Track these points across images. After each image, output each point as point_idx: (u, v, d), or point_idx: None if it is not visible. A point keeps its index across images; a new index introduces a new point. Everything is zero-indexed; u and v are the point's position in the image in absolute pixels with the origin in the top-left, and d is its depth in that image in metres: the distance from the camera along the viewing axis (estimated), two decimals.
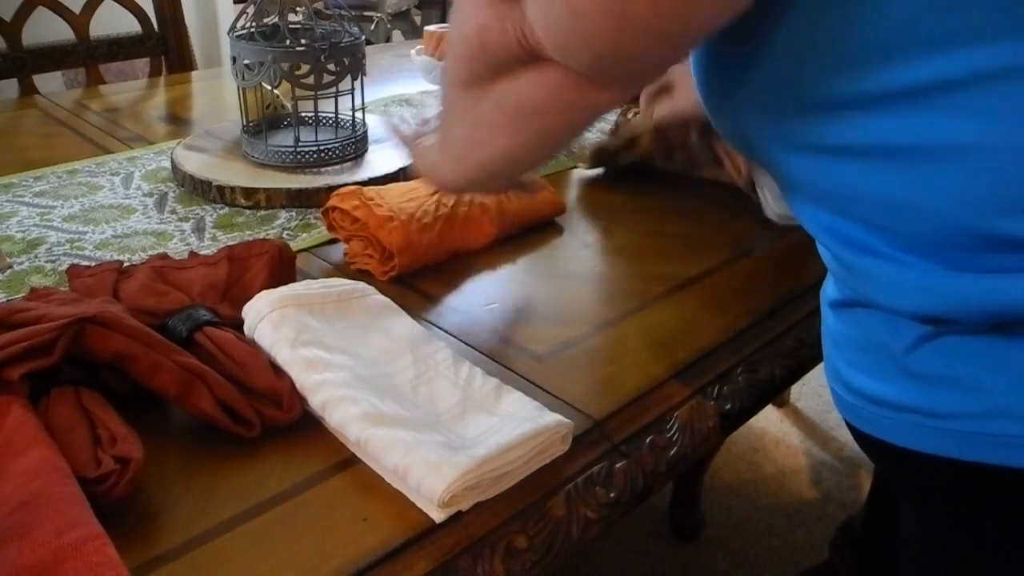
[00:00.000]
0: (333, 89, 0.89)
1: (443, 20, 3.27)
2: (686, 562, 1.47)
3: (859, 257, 0.47)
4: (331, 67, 0.87)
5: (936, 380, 0.46)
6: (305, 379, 0.53)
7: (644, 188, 0.98)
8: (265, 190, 0.86)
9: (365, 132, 0.97)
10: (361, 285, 0.64)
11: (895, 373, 0.48)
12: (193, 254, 0.69)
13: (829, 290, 0.55)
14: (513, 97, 0.49)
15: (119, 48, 1.46)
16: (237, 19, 0.89)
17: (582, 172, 1.03)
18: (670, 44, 0.43)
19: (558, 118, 0.50)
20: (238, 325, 0.59)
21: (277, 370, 0.54)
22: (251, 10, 0.89)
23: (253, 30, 0.88)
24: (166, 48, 1.49)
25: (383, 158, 0.95)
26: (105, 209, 0.85)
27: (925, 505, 0.54)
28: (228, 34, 0.89)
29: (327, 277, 0.66)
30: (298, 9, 0.93)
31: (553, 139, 0.52)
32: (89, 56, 1.42)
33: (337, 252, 0.78)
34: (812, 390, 1.92)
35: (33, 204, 0.86)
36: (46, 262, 0.74)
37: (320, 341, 0.56)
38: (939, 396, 0.46)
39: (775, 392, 0.66)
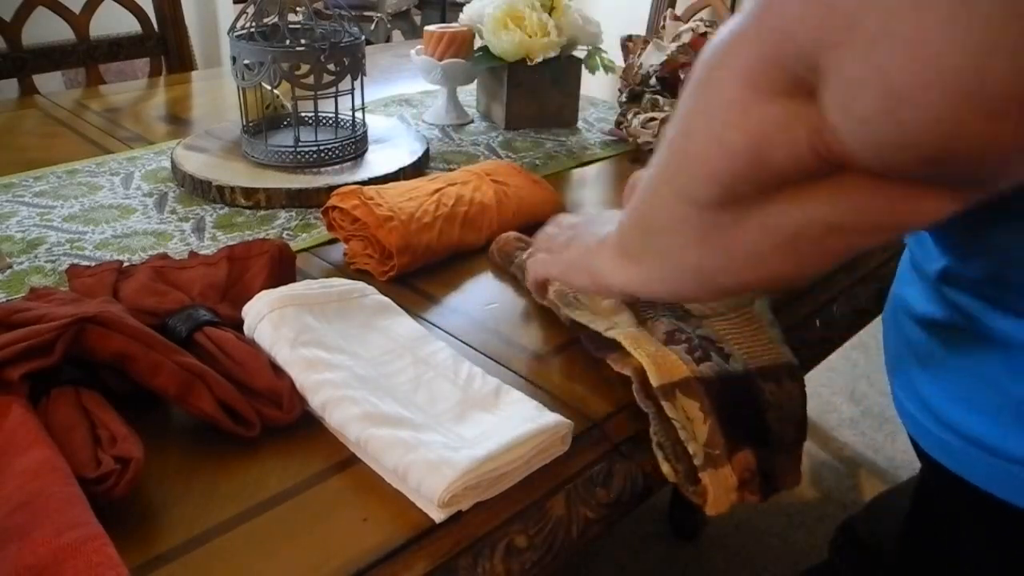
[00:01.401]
0: (333, 89, 0.89)
1: (443, 20, 3.27)
2: (686, 562, 1.47)
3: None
4: (331, 67, 0.87)
5: None
6: (305, 379, 0.53)
7: None
8: (265, 190, 0.86)
9: (365, 132, 0.97)
10: (361, 285, 0.64)
11: (1009, 417, 0.44)
12: (193, 254, 0.69)
13: (920, 304, 0.50)
14: (796, 220, 0.38)
15: (119, 48, 1.46)
16: (237, 19, 0.89)
17: (581, 172, 1.03)
18: None
19: (860, 239, 0.39)
20: (238, 325, 0.59)
21: (277, 370, 0.54)
22: (251, 10, 0.89)
23: (253, 30, 0.88)
24: (166, 48, 1.49)
25: (383, 158, 0.95)
26: (105, 209, 0.85)
27: (1006, 551, 0.51)
28: (228, 34, 0.89)
29: (327, 277, 0.66)
30: (298, 9, 0.93)
31: (843, 258, 0.40)
32: (89, 56, 1.42)
33: (337, 252, 0.78)
34: (812, 390, 1.91)
35: (33, 204, 0.86)
36: (46, 262, 0.74)
37: (320, 341, 0.56)
38: None
39: None
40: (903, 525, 0.67)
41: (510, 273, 0.72)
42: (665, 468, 0.54)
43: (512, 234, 0.76)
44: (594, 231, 0.56)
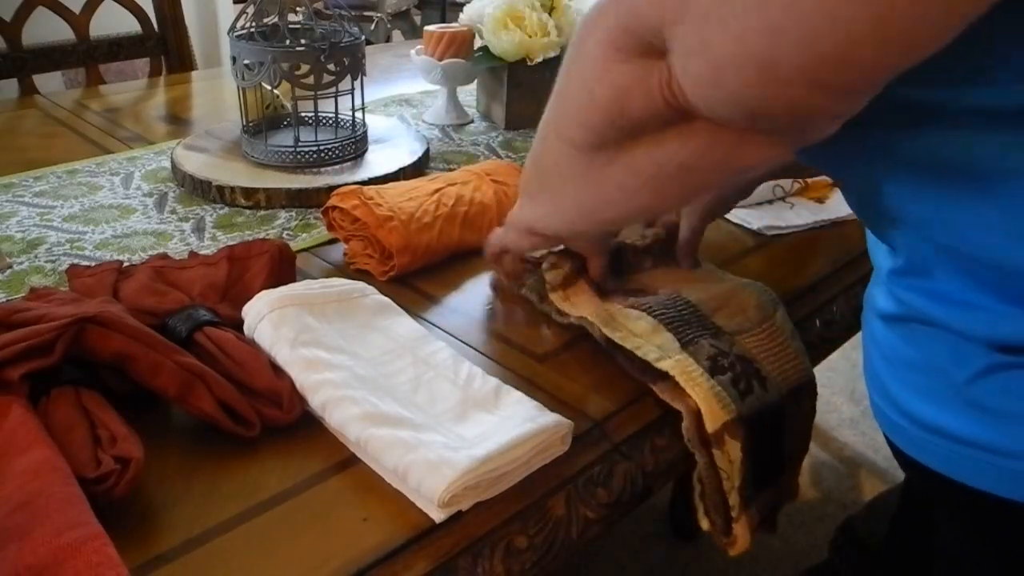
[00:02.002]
0: (333, 89, 0.89)
1: (443, 20, 3.27)
2: (686, 562, 1.47)
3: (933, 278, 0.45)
4: (331, 67, 0.87)
5: (1007, 415, 0.44)
6: (305, 379, 0.53)
7: None
8: (265, 190, 0.86)
9: (365, 132, 0.97)
10: (361, 285, 0.64)
11: (956, 402, 0.46)
12: (193, 254, 0.69)
13: (880, 301, 0.53)
14: (655, 160, 0.45)
15: (119, 48, 1.46)
16: (237, 19, 0.89)
17: None
18: (834, 93, 0.36)
19: (708, 176, 0.46)
20: (238, 325, 0.59)
21: (277, 370, 0.54)
22: (251, 10, 0.89)
23: (253, 30, 0.88)
24: (166, 48, 1.49)
25: (383, 158, 0.95)
26: (105, 209, 0.85)
27: (972, 536, 0.52)
28: (228, 34, 0.89)
29: (327, 277, 0.66)
30: (298, 9, 0.93)
31: (698, 192, 0.49)
32: (89, 56, 1.42)
33: (337, 252, 0.78)
34: None
35: (33, 204, 0.86)
36: (46, 262, 0.74)
37: (320, 341, 0.56)
38: (1011, 432, 0.44)
39: None
40: (890, 523, 0.68)
41: (521, 296, 0.70)
42: (704, 523, 0.55)
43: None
44: None
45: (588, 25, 0.44)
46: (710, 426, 0.54)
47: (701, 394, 0.55)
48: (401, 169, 0.92)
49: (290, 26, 0.90)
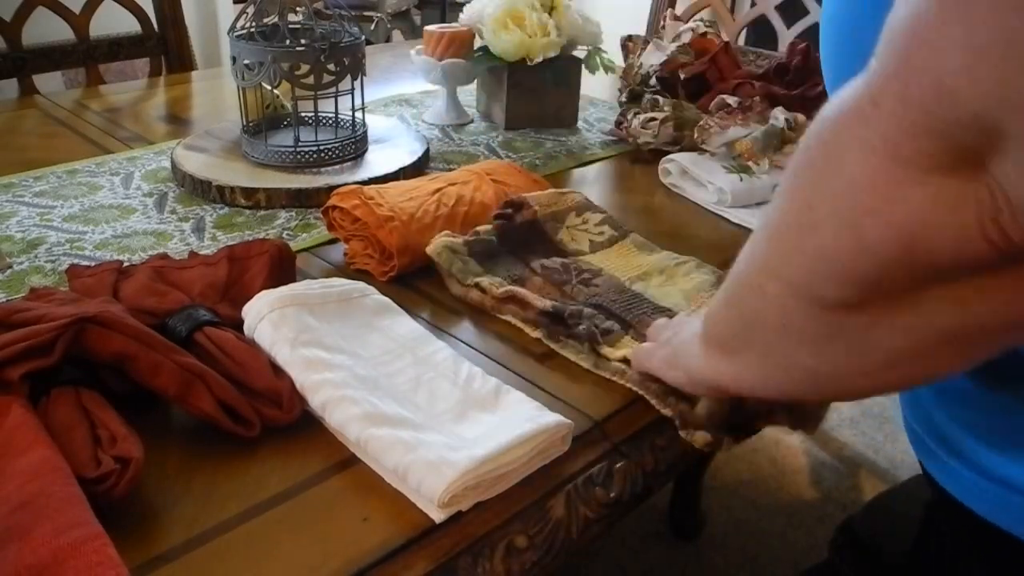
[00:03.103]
0: (333, 89, 0.89)
1: (443, 20, 3.27)
2: (686, 562, 1.47)
3: None
4: (331, 67, 0.87)
5: None
6: (305, 379, 0.53)
7: (643, 189, 0.98)
8: (265, 190, 0.86)
9: (365, 132, 0.97)
10: (361, 285, 0.64)
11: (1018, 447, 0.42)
12: (193, 254, 0.69)
13: None
14: (958, 320, 0.31)
15: (119, 48, 1.45)
16: (237, 19, 0.89)
17: (581, 172, 1.03)
18: None
19: None
20: (238, 325, 0.59)
21: (277, 370, 0.54)
22: (251, 10, 0.89)
23: (253, 30, 0.88)
24: (166, 48, 1.49)
25: (383, 158, 0.95)
26: (105, 209, 0.85)
27: None
28: (228, 34, 0.89)
29: (327, 277, 0.66)
30: (298, 9, 0.93)
31: (992, 355, 0.34)
32: (89, 56, 1.42)
33: (337, 252, 0.78)
34: None
35: (33, 204, 0.86)
36: (46, 262, 0.74)
37: (320, 341, 0.56)
38: None
39: None
40: (914, 543, 0.66)
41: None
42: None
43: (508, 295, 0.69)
44: (694, 326, 0.51)
45: (842, 125, 0.30)
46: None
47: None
48: (401, 169, 0.93)
49: (290, 26, 0.89)
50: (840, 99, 0.30)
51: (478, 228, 0.74)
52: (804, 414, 0.59)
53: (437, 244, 0.71)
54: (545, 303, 0.64)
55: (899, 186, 0.28)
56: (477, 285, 0.68)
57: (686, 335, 0.50)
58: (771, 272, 0.36)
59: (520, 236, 0.74)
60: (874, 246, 0.30)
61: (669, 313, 0.64)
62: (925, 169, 0.28)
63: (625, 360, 0.59)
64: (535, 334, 0.65)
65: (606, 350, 0.60)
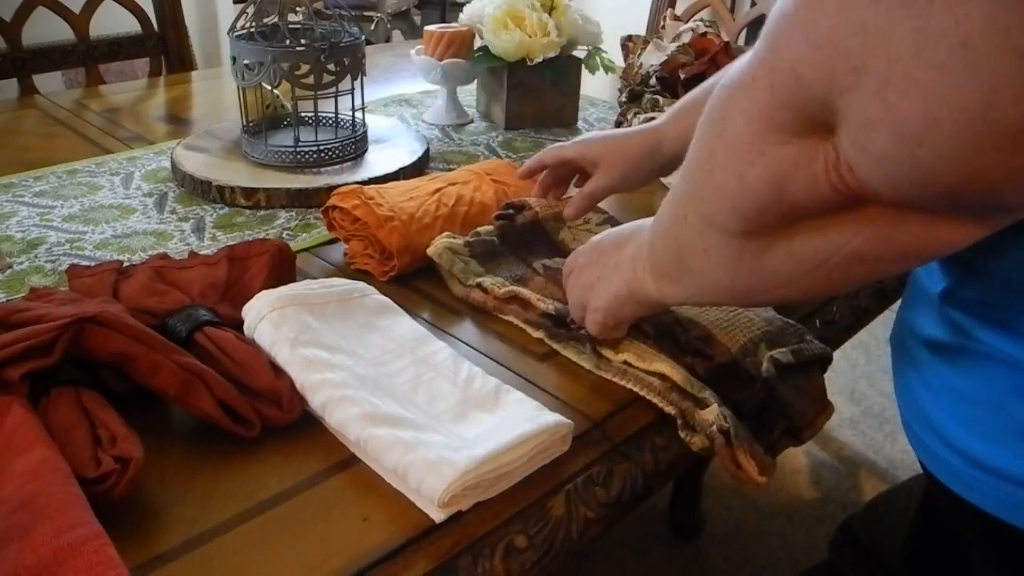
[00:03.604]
0: (333, 89, 0.89)
1: (443, 20, 3.27)
2: (686, 562, 1.47)
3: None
4: (331, 67, 0.87)
5: None
6: (305, 379, 0.53)
7: (643, 189, 0.98)
8: (265, 190, 0.86)
9: (365, 132, 0.97)
10: (361, 285, 0.64)
11: (1016, 439, 0.44)
12: (193, 254, 0.69)
13: (926, 326, 0.50)
14: (819, 249, 0.40)
15: (119, 48, 1.46)
16: (237, 19, 0.89)
17: None
18: None
19: (885, 266, 0.40)
20: (238, 325, 0.59)
21: (277, 370, 0.54)
22: (251, 10, 0.89)
23: (253, 30, 0.88)
24: (166, 48, 1.49)
25: (383, 158, 0.95)
26: (105, 209, 0.85)
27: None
28: (228, 34, 0.89)
29: (327, 277, 0.66)
30: (298, 9, 0.93)
31: (868, 280, 0.42)
32: (89, 56, 1.42)
33: (337, 252, 0.78)
34: None
35: (33, 204, 0.86)
36: (46, 262, 0.74)
37: (320, 341, 0.56)
38: None
39: None
40: (908, 541, 0.66)
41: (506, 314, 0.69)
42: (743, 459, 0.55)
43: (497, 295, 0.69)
44: (616, 257, 0.57)
45: (733, 94, 0.38)
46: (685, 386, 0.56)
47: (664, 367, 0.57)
48: (401, 169, 0.93)
49: (290, 26, 0.89)
50: (733, 71, 0.38)
51: (479, 229, 0.74)
52: (800, 428, 0.60)
53: (438, 245, 0.71)
54: (547, 305, 0.64)
55: (769, 144, 0.37)
56: (479, 285, 0.68)
57: (619, 275, 0.56)
58: (689, 203, 0.45)
59: (521, 237, 0.74)
60: (753, 187, 0.38)
61: (672, 315, 0.64)
62: (788, 132, 0.36)
63: (627, 362, 0.59)
64: (537, 335, 0.65)
65: (608, 351, 0.60)
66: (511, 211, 0.74)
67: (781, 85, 0.35)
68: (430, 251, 0.71)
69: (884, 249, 0.38)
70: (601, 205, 0.81)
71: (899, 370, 0.54)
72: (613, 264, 0.56)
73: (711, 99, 0.40)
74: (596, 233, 0.75)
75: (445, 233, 0.72)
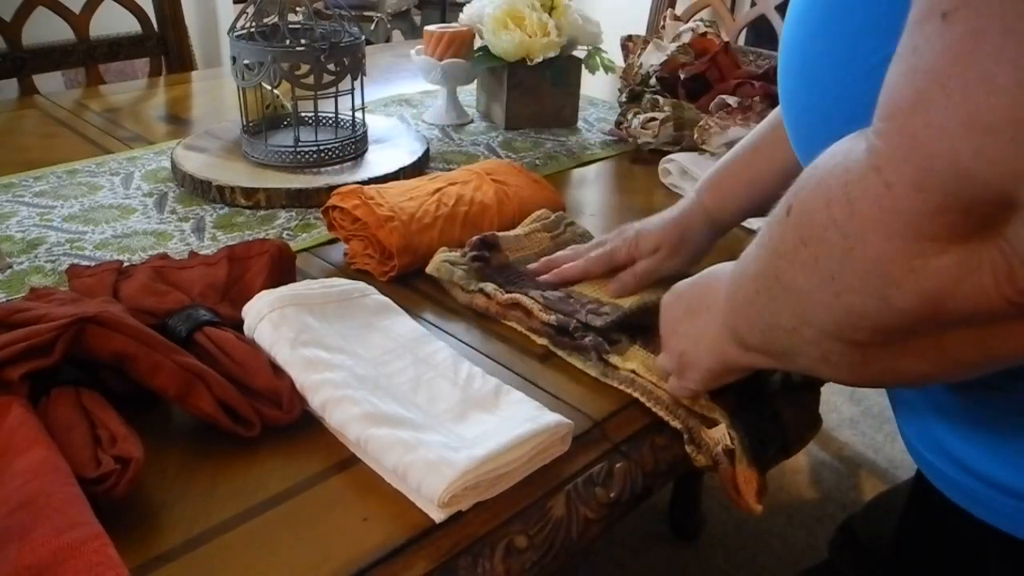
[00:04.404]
0: (333, 89, 0.89)
1: (443, 20, 3.27)
2: (686, 562, 1.47)
3: None
4: (331, 67, 0.87)
5: None
6: (305, 379, 0.53)
7: (643, 189, 0.98)
8: (265, 190, 0.86)
9: (365, 132, 0.97)
10: (361, 285, 0.64)
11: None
12: (193, 254, 0.69)
13: None
14: (973, 352, 0.35)
15: (119, 48, 1.46)
16: (237, 19, 0.89)
17: (581, 172, 1.03)
18: None
19: None
20: (238, 325, 0.59)
21: (277, 370, 0.54)
22: (251, 10, 0.89)
23: (253, 30, 0.88)
24: (166, 48, 1.49)
25: (383, 158, 0.95)
26: (105, 209, 0.85)
27: None
28: (228, 34, 0.89)
29: (327, 277, 0.66)
30: (298, 9, 0.93)
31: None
32: (89, 56, 1.42)
33: (337, 252, 0.78)
34: None
35: (33, 204, 0.86)
36: (46, 262, 0.74)
37: (320, 341, 0.56)
38: None
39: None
40: (912, 543, 0.65)
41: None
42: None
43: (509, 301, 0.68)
44: (695, 328, 0.54)
45: (856, 207, 0.32)
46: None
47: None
48: (401, 169, 0.93)
49: (290, 26, 0.89)
50: (842, 174, 0.32)
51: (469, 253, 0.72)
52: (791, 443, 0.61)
53: (434, 261, 0.71)
54: (550, 316, 0.63)
55: (921, 259, 0.31)
56: (481, 291, 0.67)
57: (700, 330, 0.53)
58: (802, 320, 0.39)
59: (500, 273, 0.71)
60: (901, 308, 0.33)
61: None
62: (944, 240, 0.30)
63: (635, 372, 0.59)
64: (541, 341, 0.64)
65: (615, 359, 0.60)
66: (485, 252, 0.72)
67: (937, 187, 0.29)
68: (428, 269, 0.71)
69: None
70: (599, 205, 0.81)
71: (900, 389, 0.53)
72: (693, 336, 0.53)
73: (803, 209, 0.35)
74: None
75: (441, 249, 0.72)
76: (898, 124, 0.30)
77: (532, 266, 0.72)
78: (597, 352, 0.60)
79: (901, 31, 0.31)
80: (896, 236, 0.31)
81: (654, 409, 0.57)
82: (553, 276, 0.70)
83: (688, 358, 0.54)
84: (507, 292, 0.67)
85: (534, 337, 0.65)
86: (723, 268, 0.52)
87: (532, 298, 0.65)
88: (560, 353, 0.63)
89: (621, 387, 0.59)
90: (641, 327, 0.63)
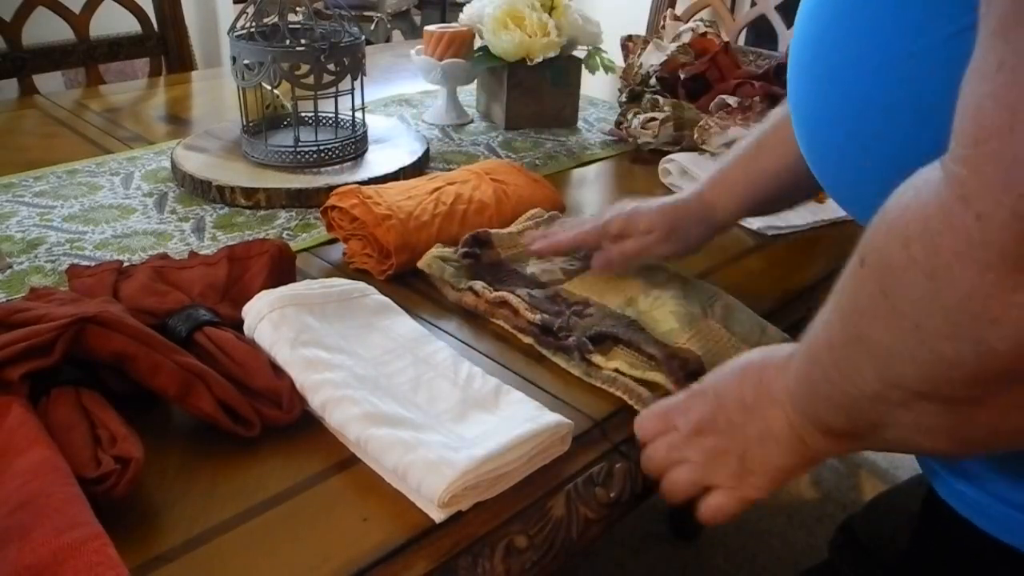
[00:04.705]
0: (333, 89, 0.89)
1: (443, 20, 3.27)
2: (686, 562, 1.47)
3: None
4: (331, 67, 0.87)
5: None
6: (305, 379, 0.53)
7: (643, 189, 0.98)
8: (265, 190, 0.86)
9: (365, 132, 0.97)
10: (361, 285, 0.64)
11: None
12: (193, 254, 0.69)
13: None
14: None
15: (119, 48, 1.46)
16: (237, 19, 0.89)
17: (581, 172, 1.03)
18: None
19: None
20: (238, 325, 0.59)
21: (277, 370, 0.54)
22: (251, 10, 0.89)
23: (253, 30, 0.88)
24: (166, 48, 1.49)
25: (383, 158, 0.95)
26: (105, 209, 0.85)
27: None
28: (228, 34, 0.89)
29: (327, 277, 0.66)
30: (298, 9, 0.93)
31: None
32: (89, 56, 1.42)
33: (337, 252, 0.78)
34: None
35: (33, 204, 0.86)
36: (46, 262, 0.74)
37: (320, 341, 0.56)
38: None
39: None
40: (912, 544, 0.64)
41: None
42: None
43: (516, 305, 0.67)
44: (752, 424, 0.48)
45: (940, 242, 0.30)
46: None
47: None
48: (401, 169, 0.92)
49: (290, 26, 0.89)
50: (919, 208, 0.30)
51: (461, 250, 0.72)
52: None
53: (426, 257, 0.71)
54: (535, 315, 0.63)
55: (1017, 292, 0.28)
56: (471, 288, 0.68)
57: (763, 427, 0.47)
58: (888, 381, 0.36)
59: (490, 271, 0.71)
60: (1001, 352, 0.30)
61: (662, 349, 0.60)
62: None
63: (618, 370, 0.59)
64: (526, 340, 0.65)
65: (597, 358, 0.60)
66: (476, 249, 0.72)
67: None
68: (420, 264, 0.71)
69: None
70: (599, 205, 0.81)
71: None
72: (756, 435, 0.47)
73: (876, 262, 0.33)
74: (562, 264, 0.72)
75: (436, 245, 0.72)
76: (991, 148, 0.28)
77: (530, 238, 0.72)
78: (580, 352, 0.60)
79: (940, 18, 0.29)
80: (990, 269, 0.29)
81: (636, 406, 0.57)
82: (545, 243, 0.70)
83: (751, 463, 0.48)
84: (495, 290, 0.67)
85: (520, 336, 0.65)
86: (772, 352, 0.48)
87: (519, 296, 0.65)
88: (545, 352, 0.63)
89: (603, 386, 0.59)
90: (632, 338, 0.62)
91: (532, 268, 0.73)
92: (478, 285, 0.67)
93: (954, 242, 0.29)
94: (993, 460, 0.46)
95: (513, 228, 0.77)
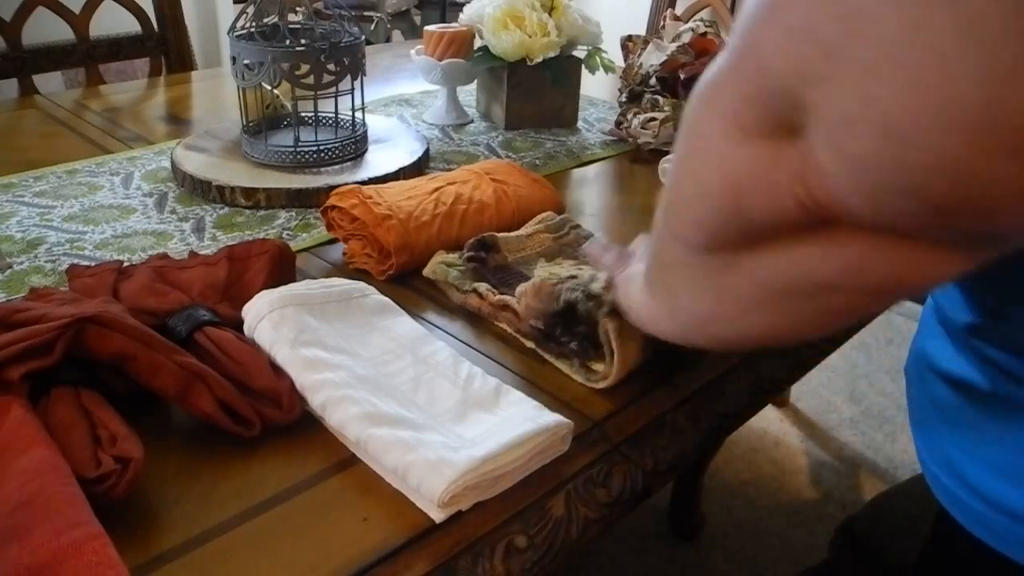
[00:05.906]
0: (333, 89, 0.89)
1: (443, 20, 3.27)
2: (686, 562, 1.47)
3: None
4: (331, 67, 0.87)
5: None
6: (305, 379, 0.53)
7: (643, 189, 0.98)
8: (265, 190, 0.86)
9: (365, 132, 0.97)
10: (361, 285, 0.64)
11: None
12: (193, 254, 0.69)
13: (947, 361, 0.47)
14: (783, 273, 0.35)
15: (119, 48, 1.46)
16: (237, 19, 0.89)
17: (581, 172, 1.03)
18: None
19: (858, 299, 0.35)
20: (238, 325, 0.59)
21: (277, 370, 0.54)
22: (251, 10, 0.89)
23: (253, 30, 0.88)
24: (166, 48, 1.49)
25: (383, 158, 0.95)
26: (105, 209, 0.85)
27: None
28: (228, 34, 0.89)
29: (327, 277, 0.66)
30: (298, 9, 0.93)
31: (841, 320, 0.36)
32: (89, 56, 1.42)
33: (337, 252, 0.78)
34: (812, 390, 1.92)
35: (33, 204, 0.86)
36: (46, 262, 0.74)
37: (320, 341, 0.56)
38: None
39: (775, 391, 0.66)
40: (912, 544, 0.65)
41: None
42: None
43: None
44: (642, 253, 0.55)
45: (704, 93, 0.34)
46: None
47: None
48: (401, 169, 0.93)
49: (290, 26, 0.89)
50: (707, 72, 0.34)
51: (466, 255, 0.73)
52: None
53: (432, 264, 0.71)
54: (538, 322, 0.63)
55: (730, 147, 0.32)
56: (475, 291, 0.68)
57: (633, 268, 0.54)
58: (663, 217, 0.41)
59: (496, 275, 0.72)
60: (709, 194, 0.34)
61: None
62: (751, 132, 0.31)
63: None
64: (528, 344, 0.65)
65: (597, 366, 0.60)
66: (482, 253, 0.72)
67: (749, 79, 0.31)
68: (426, 272, 0.71)
69: (856, 281, 0.33)
70: (599, 205, 0.81)
71: (915, 402, 0.52)
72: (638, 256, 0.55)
73: (688, 103, 0.36)
74: (573, 268, 0.72)
75: (439, 252, 0.72)
76: (740, 23, 0.31)
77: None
78: (579, 359, 0.60)
79: None
80: (716, 117, 0.33)
81: (547, 356, 0.60)
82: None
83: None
84: (499, 293, 0.67)
85: (522, 339, 0.65)
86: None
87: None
88: (548, 357, 0.63)
89: (599, 385, 0.59)
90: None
91: (539, 272, 0.73)
92: (483, 287, 0.67)
93: (708, 95, 0.34)
94: (993, 469, 0.46)
95: (522, 232, 0.76)
